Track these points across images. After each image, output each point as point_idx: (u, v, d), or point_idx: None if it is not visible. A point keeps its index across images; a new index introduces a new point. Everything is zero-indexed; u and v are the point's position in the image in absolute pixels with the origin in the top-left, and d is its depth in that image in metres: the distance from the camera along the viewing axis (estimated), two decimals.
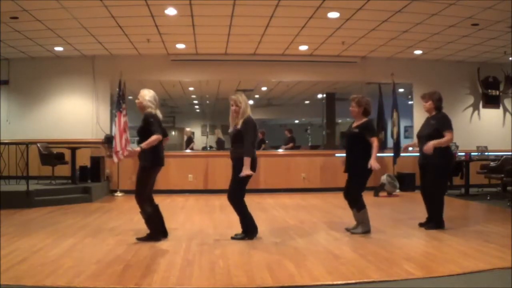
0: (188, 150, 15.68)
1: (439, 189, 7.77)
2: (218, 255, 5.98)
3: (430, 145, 7.43)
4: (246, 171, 6.68)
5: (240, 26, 11.23)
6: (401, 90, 15.27)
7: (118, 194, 12.88)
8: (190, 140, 16.88)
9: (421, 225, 7.87)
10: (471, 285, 4.77)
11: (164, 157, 7.09)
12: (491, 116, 15.51)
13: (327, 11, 10.16)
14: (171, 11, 10.15)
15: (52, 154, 12.16)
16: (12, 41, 12.23)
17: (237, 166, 6.81)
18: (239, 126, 6.87)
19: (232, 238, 6.98)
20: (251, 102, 17.67)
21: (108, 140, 13.07)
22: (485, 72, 15.25)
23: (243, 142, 6.77)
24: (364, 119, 7.49)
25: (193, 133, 17.90)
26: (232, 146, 6.98)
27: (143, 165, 6.84)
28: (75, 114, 14.21)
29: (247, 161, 6.70)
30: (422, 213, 9.78)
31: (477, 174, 13.27)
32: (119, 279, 4.90)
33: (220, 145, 17.07)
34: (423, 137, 7.84)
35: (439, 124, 7.71)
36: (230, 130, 7.01)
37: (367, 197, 12.29)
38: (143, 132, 6.73)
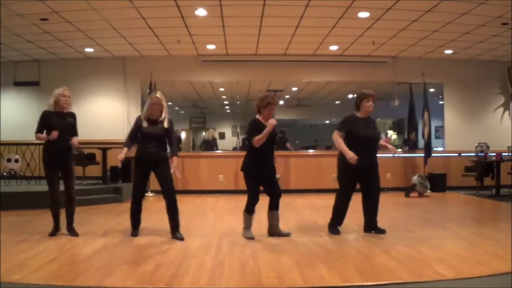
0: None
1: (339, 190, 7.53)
2: (248, 256, 5.97)
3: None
4: (178, 171, 7.17)
5: (270, 26, 11.24)
6: (432, 90, 15.15)
7: (149, 194, 12.91)
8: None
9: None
10: (502, 286, 4.72)
11: (56, 156, 7.35)
12: None
13: (357, 11, 10.13)
14: (201, 12, 10.20)
15: (83, 154, 12.24)
16: (42, 42, 12.39)
17: (166, 165, 7.16)
18: (165, 125, 7.15)
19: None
20: (281, 102, 17.77)
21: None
22: None
23: (171, 142, 7.24)
24: None
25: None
26: (153, 146, 7.13)
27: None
28: (106, 114, 14.35)
29: (176, 160, 7.20)
30: (453, 214, 9.74)
31: (508, 174, 13.07)
32: (149, 279, 4.91)
33: (209, 146, 16.96)
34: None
35: None
36: (147, 125, 7.12)
37: (398, 198, 12.29)
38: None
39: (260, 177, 7.12)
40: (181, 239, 6.94)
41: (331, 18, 10.72)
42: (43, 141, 7.32)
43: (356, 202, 7.43)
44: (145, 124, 7.08)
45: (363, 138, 7.24)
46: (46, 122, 7.18)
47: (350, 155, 6.97)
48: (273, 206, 7.25)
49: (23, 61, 14.34)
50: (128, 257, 5.94)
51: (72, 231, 7.29)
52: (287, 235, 7.26)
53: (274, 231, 7.26)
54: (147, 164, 7.14)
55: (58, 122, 7.20)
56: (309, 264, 5.49)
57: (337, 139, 7.20)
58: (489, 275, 4.97)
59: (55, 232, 7.26)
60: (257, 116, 7.16)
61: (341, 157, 7.31)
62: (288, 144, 15.37)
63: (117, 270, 5.25)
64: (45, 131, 7.18)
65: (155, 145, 7.11)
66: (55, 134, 7.07)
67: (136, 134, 7.20)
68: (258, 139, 6.86)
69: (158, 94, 7.19)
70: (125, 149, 7.10)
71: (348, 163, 7.09)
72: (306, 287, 4.67)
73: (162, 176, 7.15)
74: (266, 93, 7.55)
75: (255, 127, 7.01)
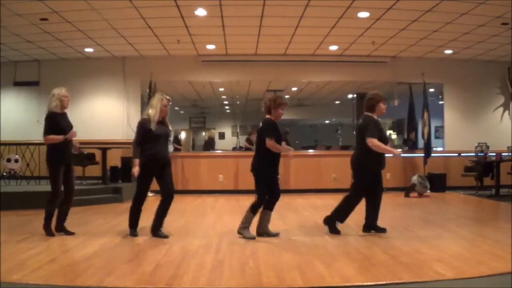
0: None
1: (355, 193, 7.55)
2: (248, 255, 5.98)
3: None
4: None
5: (270, 26, 11.23)
6: (431, 90, 15.15)
7: (149, 194, 12.84)
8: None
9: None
10: (502, 286, 4.72)
11: (65, 156, 7.38)
12: None
13: (357, 11, 10.12)
14: (201, 12, 10.20)
15: (82, 154, 12.22)
16: (42, 42, 12.40)
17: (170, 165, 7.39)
18: (170, 128, 7.41)
19: None
20: None
21: None
22: None
23: (166, 144, 7.40)
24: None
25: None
26: (164, 147, 7.24)
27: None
28: (105, 114, 14.33)
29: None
30: (452, 214, 9.73)
31: (508, 174, 13.06)
32: (149, 279, 4.92)
33: (206, 146, 16.89)
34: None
35: None
36: (156, 127, 7.07)
37: (398, 198, 12.27)
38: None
39: (268, 178, 7.19)
40: (166, 236, 7.05)
41: (331, 18, 10.72)
42: (56, 142, 7.24)
43: None
44: (154, 126, 7.01)
45: (385, 140, 7.33)
46: (56, 123, 7.20)
47: (398, 151, 7.60)
48: (269, 206, 7.27)
49: (23, 61, 14.35)
50: (128, 257, 5.94)
51: (66, 231, 7.30)
52: (275, 235, 7.28)
53: (263, 230, 7.26)
54: (159, 166, 7.11)
55: (65, 123, 7.27)
56: (309, 264, 5.50)
57: (378, 143, 7.11)
58: (489, 275, 4.97)
59: (52, 231, 7.25)
60: (268, 116, 7.21)
61: (360, 161, 7.48)
62: (283, 143, 15.35)
63: (117, 270, 5.25)
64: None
65: (165, 146, 7.19)
66: (74, 133, 7.24)
67: (143, 138, 7.11)
68: (275, 147, 7.10)
69: (166, 96, 7.20)
70: (137, 160, 7.00)
71: (372, 168, 7.35)
72: (306, 287, 4.67)
73: (167, 176, 7.18)
74: (274, 95, 7.63)
75: (275, 128, 7.18)
